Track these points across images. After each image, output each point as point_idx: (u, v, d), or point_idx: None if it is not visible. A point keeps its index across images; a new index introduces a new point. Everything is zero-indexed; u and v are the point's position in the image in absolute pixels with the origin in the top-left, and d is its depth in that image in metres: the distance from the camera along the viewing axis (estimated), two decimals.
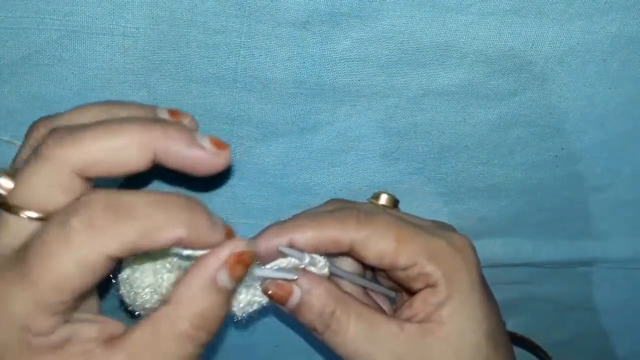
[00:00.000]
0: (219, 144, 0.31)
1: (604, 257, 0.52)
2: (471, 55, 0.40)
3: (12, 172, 0.29)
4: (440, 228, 0.40)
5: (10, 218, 0.29)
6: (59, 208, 0.28)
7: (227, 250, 0.30)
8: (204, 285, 0.30)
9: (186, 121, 0.34)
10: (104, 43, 0.38)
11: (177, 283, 0.30)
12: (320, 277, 0.37)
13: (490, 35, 0.40)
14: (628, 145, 0.46)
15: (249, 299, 0.36)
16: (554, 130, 0.45)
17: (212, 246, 0.30)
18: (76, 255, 0.27)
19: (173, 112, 0.33)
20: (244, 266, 0.30)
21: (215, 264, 0.30)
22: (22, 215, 0.28)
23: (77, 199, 0.28)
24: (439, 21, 0.39)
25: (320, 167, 0.46)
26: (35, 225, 0.28)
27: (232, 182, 0.46)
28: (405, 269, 0.37)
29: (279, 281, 0.36)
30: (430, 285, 0.37)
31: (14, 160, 0.33)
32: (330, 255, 0.38)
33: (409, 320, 0.37)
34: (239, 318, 0.36)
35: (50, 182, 0.28)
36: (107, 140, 0.29)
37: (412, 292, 0.38)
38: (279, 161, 0.45)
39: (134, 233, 0.27)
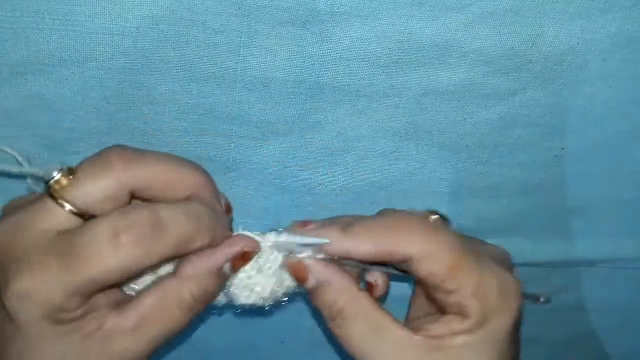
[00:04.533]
0: (230, 209, 0.39)
1: (604, 257, 0.52)
2: (471, 55, 0.40)
3: (72, 169, 0.33)
4: (499, 260, 0.39)
5: (56, 208, 0.32)
6: (104, 212, 0.33)
7: (238, 248, 0.36)
8: (211, 270, 0.35)
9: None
10: (103, 43, 0.38)
11: (183, 260, 0.35)
12: (339, 271, 0.37)
13: (491, 35, 0.40)
14: (628, 145, 0.46)
15: (276, 286, 0.38)
16: (554, 130, 0.45)
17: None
18: (121, 264, 0.31)
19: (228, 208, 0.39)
20: (246, 262, 0.37)
21: (226, 257, 0.36)
22: (67, 208, 0.32)
23: (126, 212, 0.32)
24: (439, 21, 0.39)
25: (321, 167, 0.46)
26: (74, 218, 0.32)
27: (232, 182, 0.46)
28: (448, 293, 0.36)
29: (299, 262, 0.37)
30: (463, 315, 0.36)
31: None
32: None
33: (420, 330, 0.37)
34: (268, 304, 0.39)
35: (107, 194, 0.33)
36: (169, 175, 0.34)
37: (438, 307, 0.38)
38: (279, 161, 0.45)
39: (172, 248, 0.33)
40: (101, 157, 0.33)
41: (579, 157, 0.46)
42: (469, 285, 0.36)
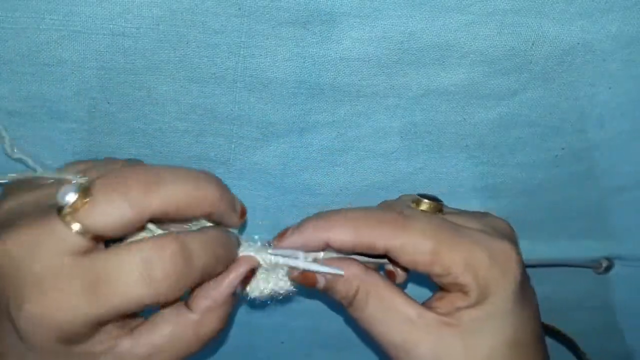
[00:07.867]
0: (244, 213, 0.38)
1: (605, 256, 0.52)
2: (471, 55, 0.40)
3: (87, 188, 0.31)
4: (486, 231, 0.38)
5: (69, 231, 0.30)
6: (118, 236, 0.32)
7: (245, 269, 0.37)
8: (228, 299, 0.36)
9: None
10: (104, 43, 0.38)
11: (196, 294, 0.35)
12: (344, 261, 0.38)
13: (491, 35, 0.40)
14: (628, 145, 0.46)
15: (274, 285, 0.39)
16: (554, 130, 0.45)
17: (231, 223, 0.37)
18: (150, 298, 0.31)
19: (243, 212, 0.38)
20: (250, 279, 0.38)
21: (236, 282, 0.36)
22: (81, 232, 0.30)
23: (159, 244, 0.31)
24: (439, 21, 0.39)
25: (321, 167, 0.46)
26: (88, 240, 0.31)
27: (232, 182, 0.46)
28: (439, 276, 0.36)
29: (302, 273, 0.38)
30: (463, 292, 0.36)
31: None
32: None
33: (430, 308, 0.37)
34: (269, 301, 0.39)
35: (124, 223, 0.31)
36: (188, 198, 0.33)
37: (442, 287, 0.38)
38: (279, 161, 0.45)
39: (196, 279, 0.33)
40: (118, 180, 0.31)
41: (578, 157, 0.46)
42: (456, 264, 0.36)
